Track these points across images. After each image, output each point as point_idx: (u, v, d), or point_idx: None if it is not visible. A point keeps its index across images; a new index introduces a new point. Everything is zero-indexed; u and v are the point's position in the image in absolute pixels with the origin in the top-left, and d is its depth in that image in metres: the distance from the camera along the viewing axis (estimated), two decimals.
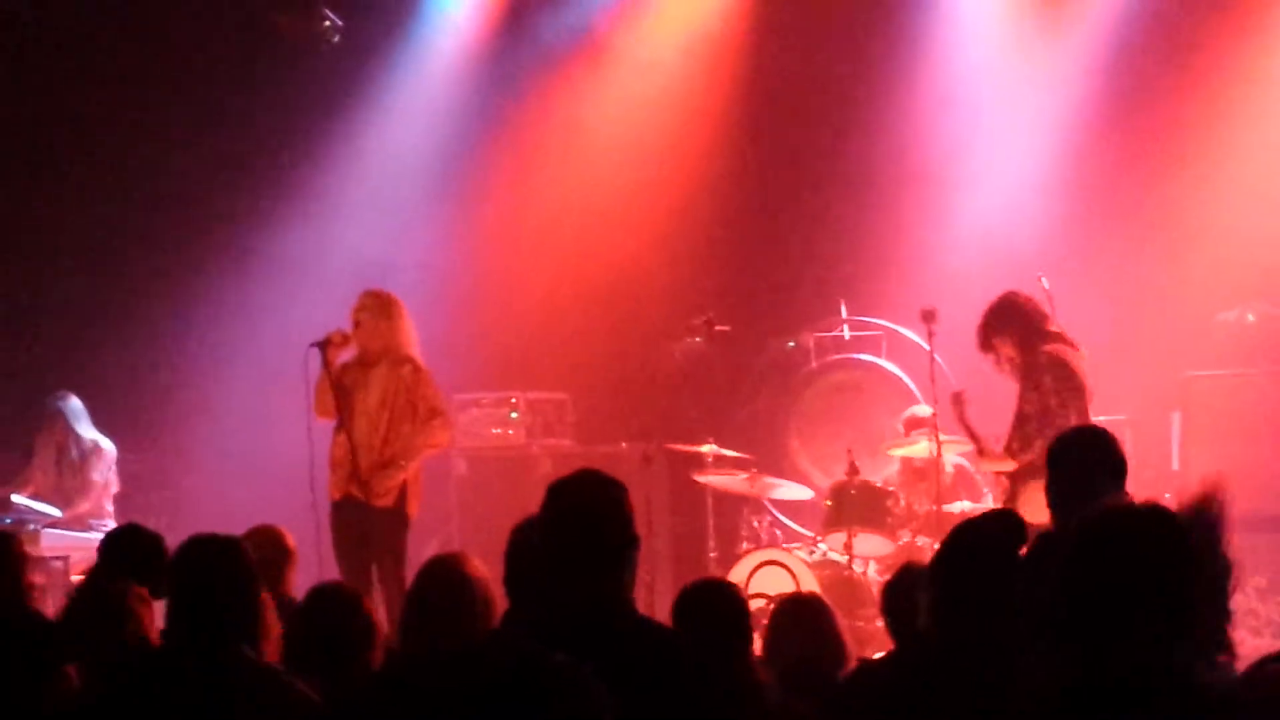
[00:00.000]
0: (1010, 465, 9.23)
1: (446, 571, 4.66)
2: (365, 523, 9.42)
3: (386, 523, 9.42)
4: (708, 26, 13.08)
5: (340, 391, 9.47)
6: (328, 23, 12.88)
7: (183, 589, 4.91)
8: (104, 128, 12.98)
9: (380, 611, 5.95)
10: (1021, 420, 9.22)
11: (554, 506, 4.65)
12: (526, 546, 4.80)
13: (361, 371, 9.60)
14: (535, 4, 13.24)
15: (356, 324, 9.61)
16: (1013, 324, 9.35)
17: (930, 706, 4.40)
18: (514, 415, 12.24)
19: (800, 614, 6.21)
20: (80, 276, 12.99)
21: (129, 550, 6.33)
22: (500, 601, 4.83)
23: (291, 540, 7.19)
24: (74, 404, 11.18)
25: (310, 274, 12.79)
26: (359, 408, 9.50)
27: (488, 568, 4.69)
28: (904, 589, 5.42)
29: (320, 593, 5.67)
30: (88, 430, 11.13)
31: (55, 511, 10.79)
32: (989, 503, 10.45)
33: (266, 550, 6.67)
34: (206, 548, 4.97)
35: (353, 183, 13.25)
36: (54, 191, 13.03)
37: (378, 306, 9.64)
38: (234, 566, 4.92)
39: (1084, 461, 5.96)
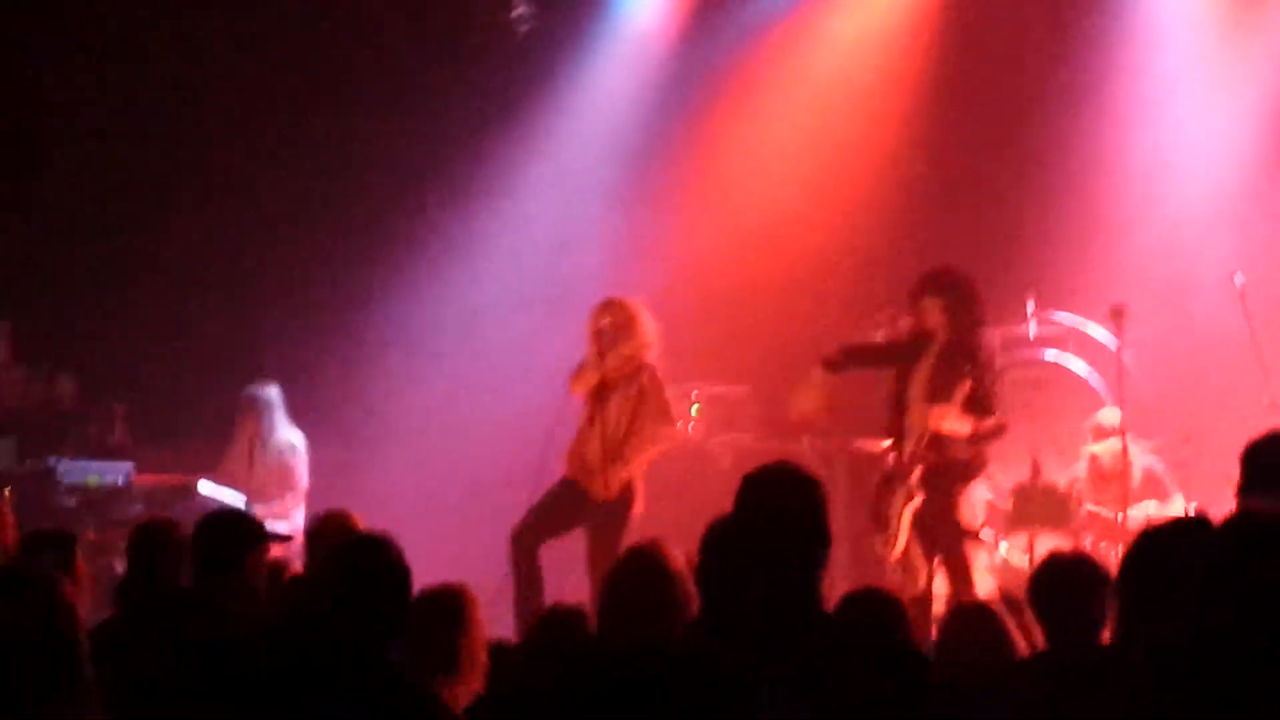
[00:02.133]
0: (966, 426, 9.12)
1: (646, 561, 4.62)
2: (585, 512, 9.79)
3: (607, 514, 9.75)
4: (895, 21, 12.98)
5: (587, 390, 9.91)
6: (518, 12, 12.97)
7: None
8: (301, 114, 13.18)
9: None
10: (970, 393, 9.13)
11: (750, 499, 4.59)
12: (721, 542, 4.75)
13: (605, 374, 9.91)
14: (716, 4, 13.22)
15: (599, 331, 9.89)
16: (954, 294, 9.32)
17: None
18: (695, 409, 12.22)
19: (971, 620, 6.11)
20: (280, 262, 13.19)
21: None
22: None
23: (360, 523, 7.13)
24: (270, 394, 11.31)
25: (498, 262, 12.90)
26: (600, 409, 9.87)
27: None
28: (1054, 583, 5.32)
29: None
30: (283, 424, 11.26)
31: (241, 499, 10.95)
32: (1177, 506, 10.25)
33: (338, 536, 6.66)
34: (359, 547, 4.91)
35: (541, 172, 13.34)
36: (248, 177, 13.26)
37: (620, 318, 9.94)
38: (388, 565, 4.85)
39: (1274, 463, 5.81)
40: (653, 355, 10.02)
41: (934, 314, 9.33)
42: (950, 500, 9.20)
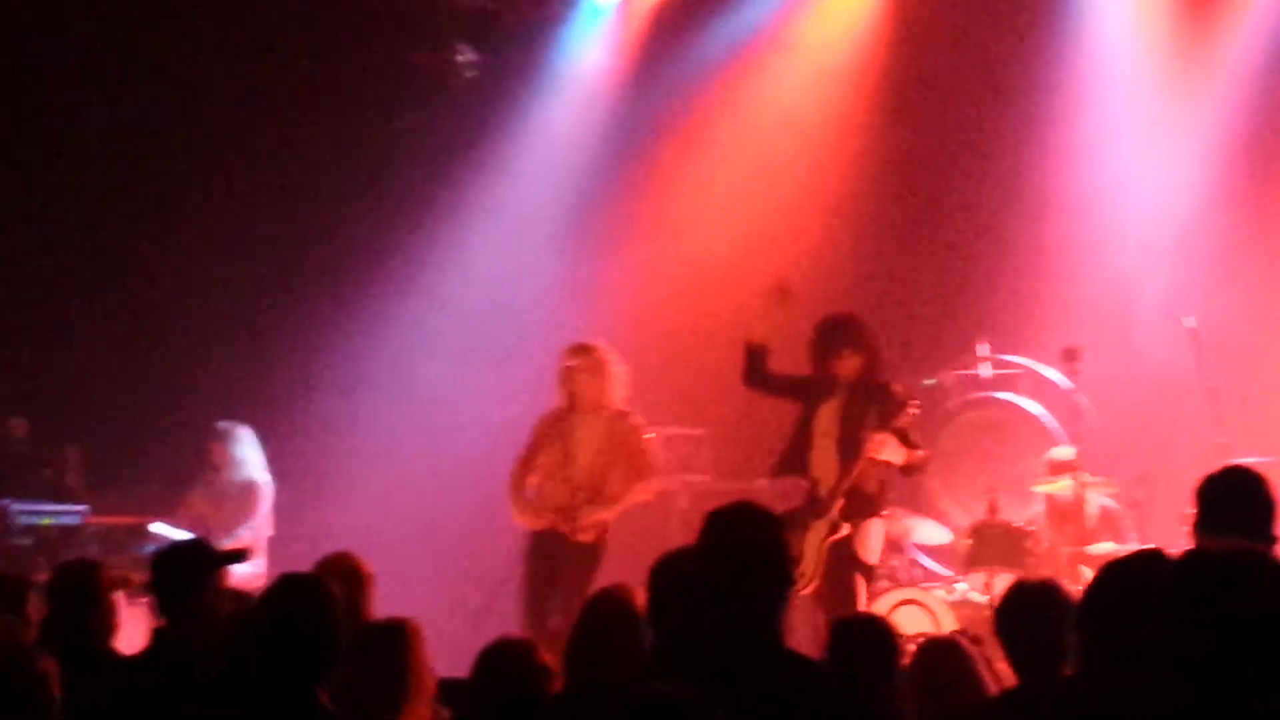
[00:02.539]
0: (901, 456, 9.31)
1: (613, 604, 4.63)
2: (561, 555, 9.82)
3: (582, 556, 9.81)
4: (842, 62, 13.04)
5: (555, 435, 9.97)
6: (462, 58, 12.99)
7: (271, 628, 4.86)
8: (251, 159, 13.17)
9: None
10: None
11: (713, 537, 4.63)
12: (674, 579, 4.78)
13: (575, 418, 10.01)
14: (666, 45, 13.27)
15: (568, 375, 9.98)
16: (872, 345, 9.52)
17: None
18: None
19: (941, 655, 6.13)
20: (232, 306, 13.17)
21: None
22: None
23: (367, 566, 7.17)
24: (239, 432, 11.32)
25: (445, 305, 12.93)
26: (574, 452, 9.92)
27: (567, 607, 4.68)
28: (1020, 610, 5.34)
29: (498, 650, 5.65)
30: (250, 463, 11.26)
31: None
32: (1133, 546, 10.29)
33: (346, 576, 6.72)
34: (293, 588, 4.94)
35: (488, 216, 13.34)
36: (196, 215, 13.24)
37: (591, 363, 10.04)
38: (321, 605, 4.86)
39: (1231, 498, 5.86)
40: (621, 400, 10.09)
41: (850, 363, 9.47)
42: (860, 533, 9.33)
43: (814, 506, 9.31)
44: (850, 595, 9.19)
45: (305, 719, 4.68)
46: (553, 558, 9.84)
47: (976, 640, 6.02)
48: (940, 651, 6.19)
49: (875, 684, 5.42)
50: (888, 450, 9.28)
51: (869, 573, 9.42)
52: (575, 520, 9.85)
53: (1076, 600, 4.78)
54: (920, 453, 9.44)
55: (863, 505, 9.33)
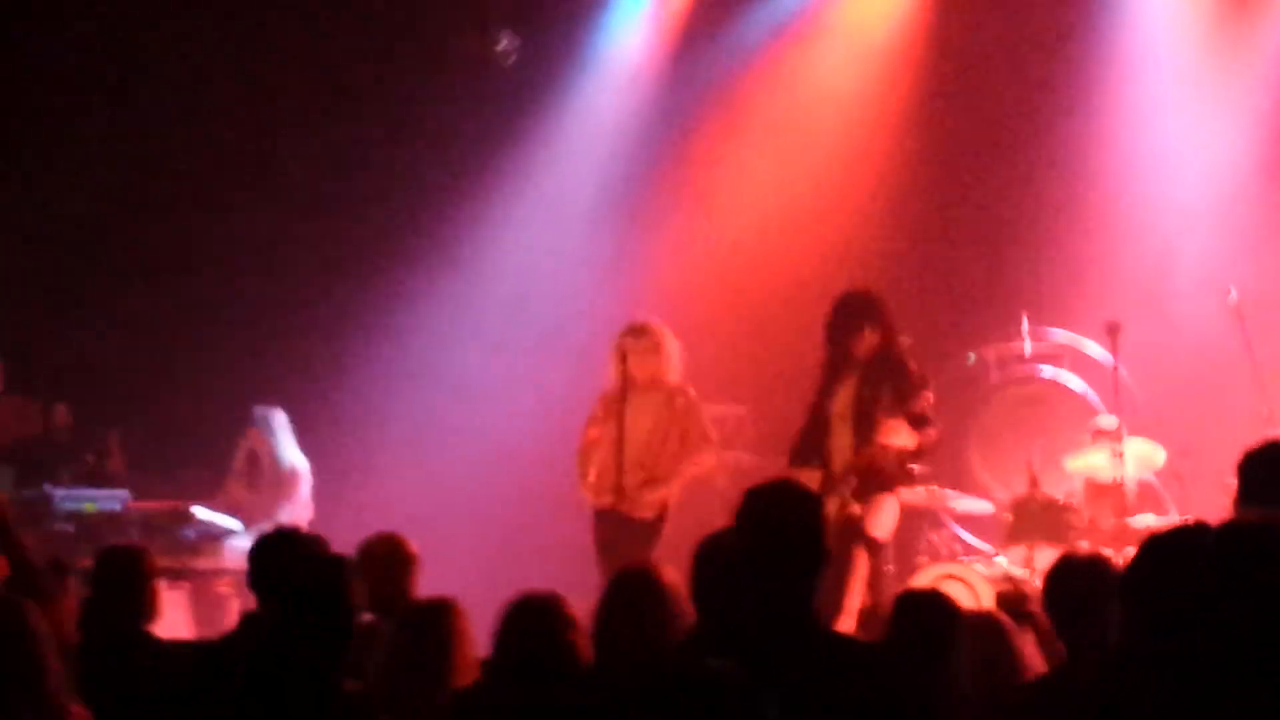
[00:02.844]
0: (914, 441, 9.35)
1: (640, 580, 4.64)
2: (621, 531, 9.90)
3: (642, 533, 9.89)
4: (886, 38, 13.01)
5: (612, 415, 10.08)
6: (505, 44, 12.98)
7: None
8: (293, 145, 13.18)
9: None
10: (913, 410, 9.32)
11: (751, 514, 4.63)
12: (715, 559, 4.77)
13: (632, 397, 10.08)
14: (707, 27, 13.25)
15: (623, 354, 10.07)
16: (889, 322, 9.58)
17: None
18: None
19: (978, 631, 6.10)
20: (274, 289, 13.20)
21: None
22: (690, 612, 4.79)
23: (412, 546, 7.18)
24: (275, 416, 11.36)
25: (489, 289, 12.93)
26: (630, 428, 9.99)
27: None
28: (1069, 582, 5.32)
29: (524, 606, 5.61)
30: (288, 448, 11.29)
31: (238, 524, 10.95)
32: (1174, 518, 10.25)
33: (391, 557, 6.74)
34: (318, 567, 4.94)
35: (531, 201, 13.34)
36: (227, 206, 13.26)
37: (649, 343, 10.14)
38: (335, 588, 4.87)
39: (1270, 472, 5.82)
40: (677, 376, 10.18)
41: (868, 340, 9.49)
42: (871, 509, 9.37)
43: (826, 485, 9.29)
44: (845, 567, 9.17)
45: (327, 706, 4.68)
46: (615, 536, 9.92)
47: (1023, 616, 5.98)
48: (980, 628, 6.16)
49: (934, 661, 5.40)
50: (899, 436, 9.31)
51: (875, 548, 9.44)
52: (634, 499, 9.94)
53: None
54: (932, 434, 9.43)
55: (877, 483, 9.38)
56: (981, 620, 6.28)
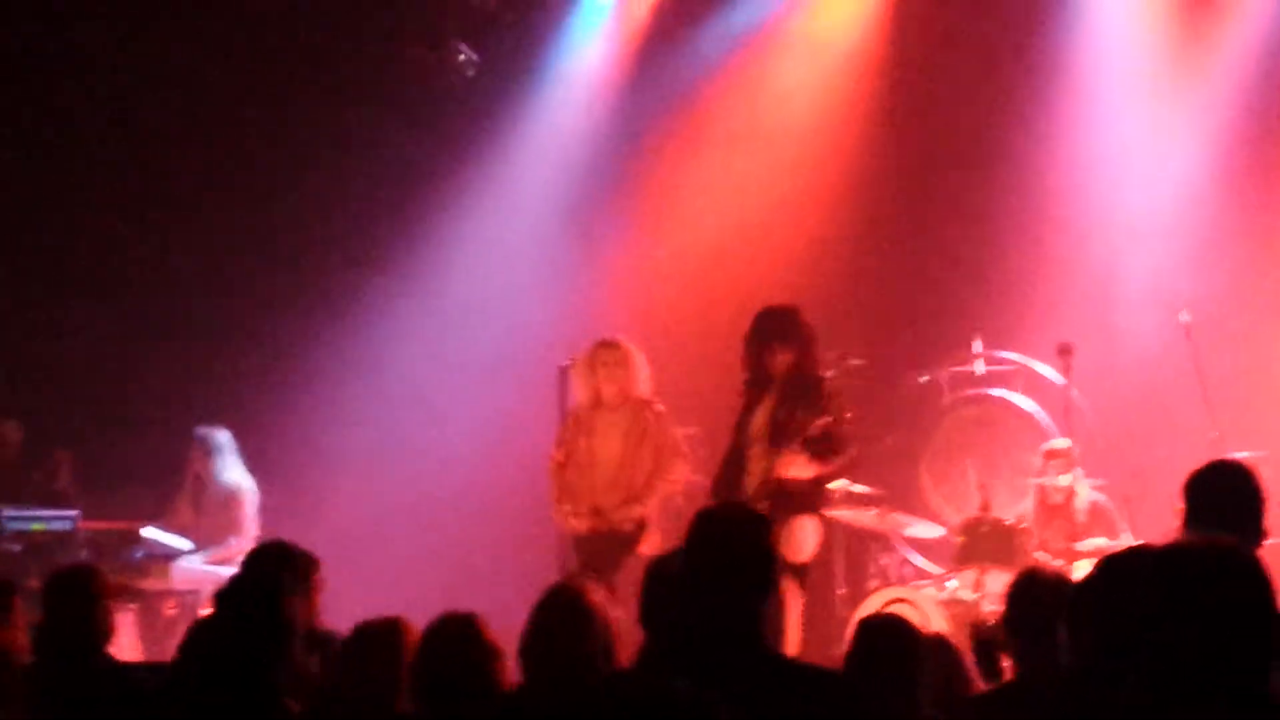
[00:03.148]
0: (811, 471, 9.19)
1: (566, 599, 4.64)
2: (601, 546, 9.86)
3: (623, 543, 9.84)
4: (839, 63, 13.02)
5: (582, 431, 10.04)
6: (462, 57, 12.96)
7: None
8: (247, 159, 13.14)
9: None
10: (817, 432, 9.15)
11: (701, 535, 4.65)
12: (667, 576, 4.79)
13: (602, 413, 10.05)
14: (666, 41, 13.26)
15: (593, 371, 10.05)
16: (805, 339, 9.41)
17: None
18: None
19: (933, 654, 6.11)
20: (224, 307, 13.16)
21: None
22: (627, 630, 4.80)
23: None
24: (219, 437, 11.29)
25: (444, 300, 12.93)
26: (600, 449, 9.97)
27: (610, 597, 4.67)
28: (1030, 599, 5.33)
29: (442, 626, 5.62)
30: (232, 467, 11.23)
31: (188, 545, 10.89)
32: (1126, 541, 10.27)
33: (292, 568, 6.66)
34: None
35: (484, 214, 13.32)
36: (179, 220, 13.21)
37: (616, 358, 10.09)
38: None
39: (1220, 492, 5.85)
40: (647, 392, 10.14)
41: (780, 357, 9.37)
42: (785, 532, 9.10)
43: None
44: None
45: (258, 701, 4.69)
46: (596, 557, 9.82)
47: (986, 634, 5.97)
48: (934, 651, 6.17)
49: (896, 687, 5.40)
50: (795, 468, 9.17)
51: (798, 571, 9.20)
52: (613, 521, 9.88)
53: None
54: (838, 461, 9.27)
55: (790, 504, 9.17)
56: (935, 643, 6.30)
